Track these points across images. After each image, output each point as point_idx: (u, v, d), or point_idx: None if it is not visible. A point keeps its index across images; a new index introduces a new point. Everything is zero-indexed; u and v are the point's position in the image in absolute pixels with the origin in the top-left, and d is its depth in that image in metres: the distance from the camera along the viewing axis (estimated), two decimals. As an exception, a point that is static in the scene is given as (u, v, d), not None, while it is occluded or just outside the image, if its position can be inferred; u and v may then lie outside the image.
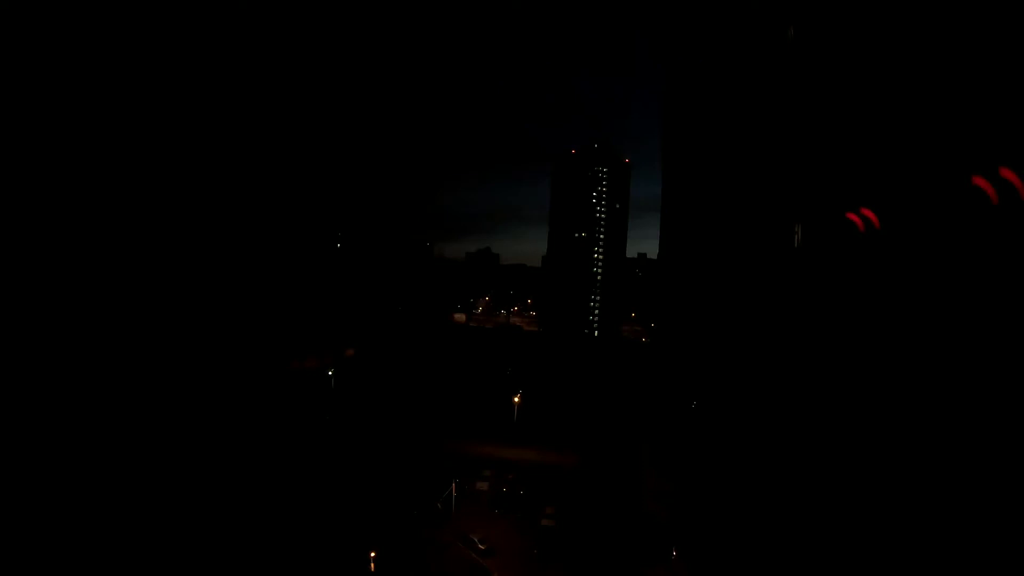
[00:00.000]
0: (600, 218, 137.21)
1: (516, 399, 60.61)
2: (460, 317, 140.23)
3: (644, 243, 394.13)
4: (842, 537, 16.51)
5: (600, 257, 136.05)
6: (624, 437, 56.03)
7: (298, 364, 65.45)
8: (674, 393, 38.95)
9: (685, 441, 35.16)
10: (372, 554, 31.47)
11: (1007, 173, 10.21)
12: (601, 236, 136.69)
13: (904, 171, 15.25)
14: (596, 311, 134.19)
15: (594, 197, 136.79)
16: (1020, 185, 10.10)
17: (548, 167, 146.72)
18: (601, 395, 68.92)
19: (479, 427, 57.45)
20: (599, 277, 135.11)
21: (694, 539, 29.66)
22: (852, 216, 17.51)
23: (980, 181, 11.15)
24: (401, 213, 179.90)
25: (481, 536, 35.88)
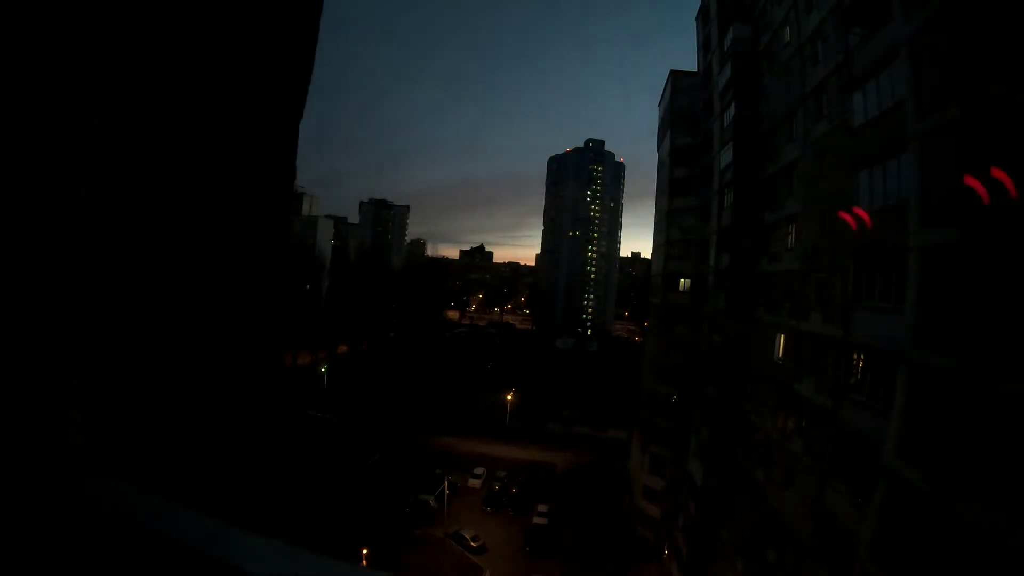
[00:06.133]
0: (594, 217, 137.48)
1: (509, 397, 60.66)
2: (453, 314, 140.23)
3: (638, 242, 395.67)
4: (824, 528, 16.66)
5: (593, 255, 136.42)
6: (615, 435, 56.37)
7: (290, 360, 65.08)
8: (663, 390, 39.12)
9: (673, 437, 35.37)
10: (364, 551, 31.40)
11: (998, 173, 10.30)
12: (595, 235, 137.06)
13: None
14: (589, 309, 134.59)
15: (588, 196, 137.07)
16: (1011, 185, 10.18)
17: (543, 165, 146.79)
18: (593, 393, 69.18)
19: (472, 424, 57.48)
20: (592, 276, 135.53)
21: (686, 536, 29.85)
22: (844, 216, 17.61)
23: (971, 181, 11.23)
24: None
25: (473, 533, 35.90)
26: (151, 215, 1.43)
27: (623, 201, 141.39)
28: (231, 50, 1.59)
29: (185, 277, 1.51)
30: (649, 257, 68.18)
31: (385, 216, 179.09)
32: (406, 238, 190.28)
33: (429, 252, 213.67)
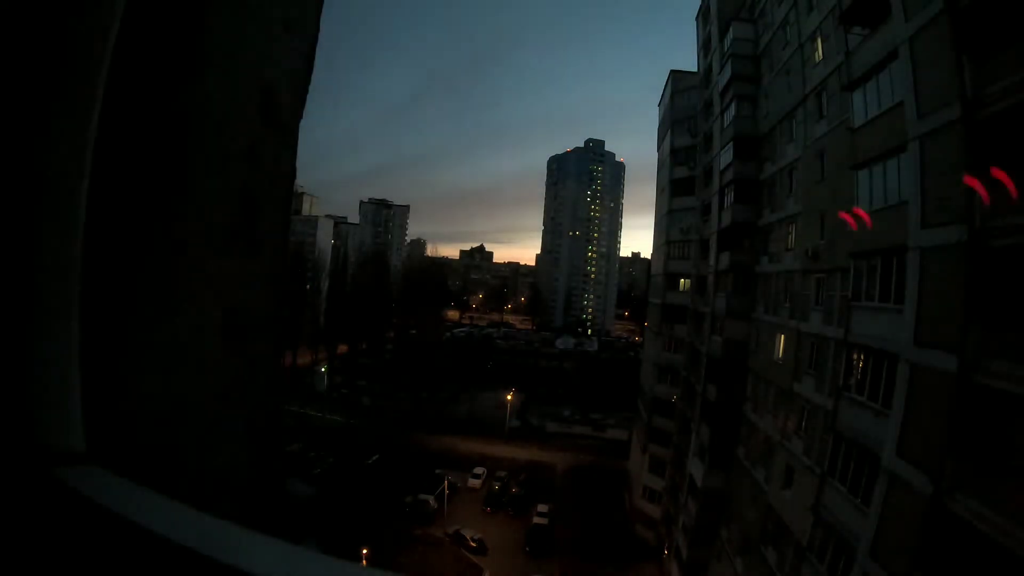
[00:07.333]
0: (594, 217, 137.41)
1: (509, 397, 60.64)
2: (453, 314, 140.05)
3: (638, 242, 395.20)
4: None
5: (593, 255, 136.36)
6: (615, 435, 56.36)
7: (290, 360, 65.06)
8: (663, 390, 39.13)
9: (673, 437, 35.38)
10: (364, 551, 31.41)
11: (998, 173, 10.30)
12: (595, 235, 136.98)
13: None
14: (589, 309, 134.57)
15: (588, 196, 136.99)
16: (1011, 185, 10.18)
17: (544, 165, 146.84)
18: (593, 393, 69.15)
19: (472, 424, 57.47)
20: (592, 276, 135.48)
21: (686, 536, 29.85)
22: (844, 216, 17.62)
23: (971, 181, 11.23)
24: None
25: (473, 533, 35.91)
26: (151, 214, 1.43)
27: (623, 201, 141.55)
28: (231, 49, 1.60)
29: (185, 273, 1.52)
30: (649, 257, 68.23)
31: (385, 216, 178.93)
32: (406, 238, 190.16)
33: (429, 252, 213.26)
